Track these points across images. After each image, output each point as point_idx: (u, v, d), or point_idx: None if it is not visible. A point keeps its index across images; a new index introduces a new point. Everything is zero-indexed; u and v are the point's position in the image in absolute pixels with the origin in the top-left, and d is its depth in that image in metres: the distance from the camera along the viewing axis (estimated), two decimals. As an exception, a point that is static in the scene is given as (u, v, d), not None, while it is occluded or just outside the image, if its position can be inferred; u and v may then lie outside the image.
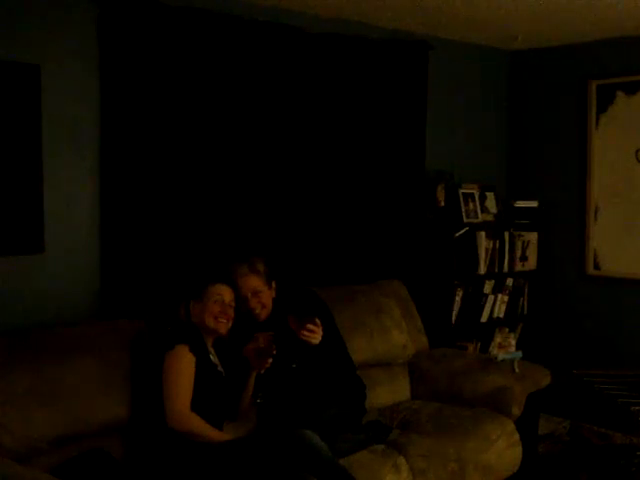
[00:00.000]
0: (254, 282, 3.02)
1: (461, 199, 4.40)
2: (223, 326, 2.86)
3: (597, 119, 4.53)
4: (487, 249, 4.47)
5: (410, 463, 2.97)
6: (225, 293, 2.89)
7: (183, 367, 2.67)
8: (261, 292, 3.03)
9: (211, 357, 2.84)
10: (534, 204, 4.74)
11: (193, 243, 3.42)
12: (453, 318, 4.35)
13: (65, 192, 3.09)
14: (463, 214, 4.38)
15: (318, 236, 3.88)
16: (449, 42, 4.50)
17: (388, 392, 3.64)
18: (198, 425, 2.64)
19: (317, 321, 2.88)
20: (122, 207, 3.19)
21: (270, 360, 2.81)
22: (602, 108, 4.51)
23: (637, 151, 4.38)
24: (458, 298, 4.37)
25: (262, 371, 2.84)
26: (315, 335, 2.86)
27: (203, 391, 2.71)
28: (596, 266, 4.59)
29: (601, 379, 3.86)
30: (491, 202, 4.59)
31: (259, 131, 3.62)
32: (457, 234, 4.31)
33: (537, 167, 4.86)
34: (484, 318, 4.53)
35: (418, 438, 3.13)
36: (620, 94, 4.43)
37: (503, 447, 3.32)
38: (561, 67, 4.72)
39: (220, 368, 2.87)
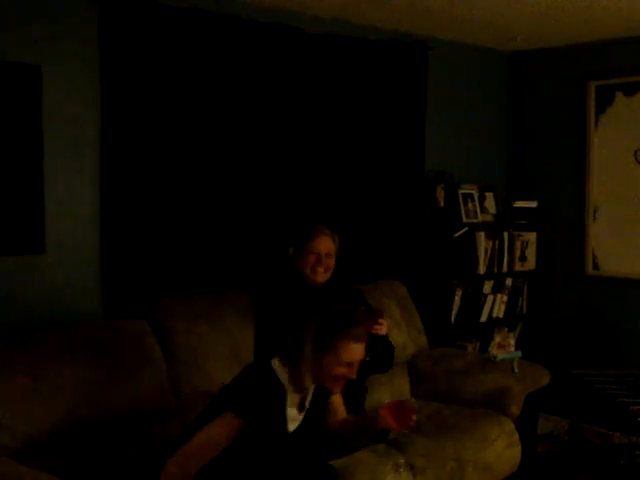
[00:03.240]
0: (330, 244, 3.07)
1: (460, 199, 4.40)
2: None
3: (596, 120, 4.54)
4: (486, 249, 4.48)
5: (410, 463, 2.97)
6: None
7: (218, 436, 2.26)
8: (332, 256, 3.07)
9: (288, 412, 2.38)
10: (533, 204, 4.75)
11: (194, 243, 3.42)
12: (452, 318, 4.35)
13: (65, 192, 3.09)
14: (462, 214, 4.38)
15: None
16: (449, 43, 4.51)
17: (388, 392, 3.65)
18: None
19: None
20: (122, 207, 3.20)
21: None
22: (601, 109, 4.52)
23: (636, 151, 4.38)
24: (457, 298, 4.37)
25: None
26: (383, 328, 2.97)
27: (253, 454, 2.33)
28: (595, 266, 4.60)
29: (600, 379, 3.87)
30: (490, 202, 4.60)
31: (259, 131, 3.63)
32: (456, 234, 4.32)
33: (536, 167, 4.87)
34: (483, 318, 4.53)
35: (418, 438, 3.13)
36: (619, 95, 4.44)
37: (502, 447, 3.33)
38: (560, 68, 4.73)
39: (295, 422, 2.42)
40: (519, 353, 3.90)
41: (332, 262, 3.07)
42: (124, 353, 2.83)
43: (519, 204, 4.71)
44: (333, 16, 3.91)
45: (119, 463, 2.66)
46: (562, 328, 4.74)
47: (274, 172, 3.70)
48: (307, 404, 2.42)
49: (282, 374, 2.32)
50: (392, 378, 3.72)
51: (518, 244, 4.66)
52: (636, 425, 3.65)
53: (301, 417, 2.41)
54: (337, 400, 2.59)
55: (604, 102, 4.50)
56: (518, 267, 4.67)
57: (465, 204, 4.42)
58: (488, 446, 3.26)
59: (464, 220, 4.38)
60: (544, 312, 4.79)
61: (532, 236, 4.71)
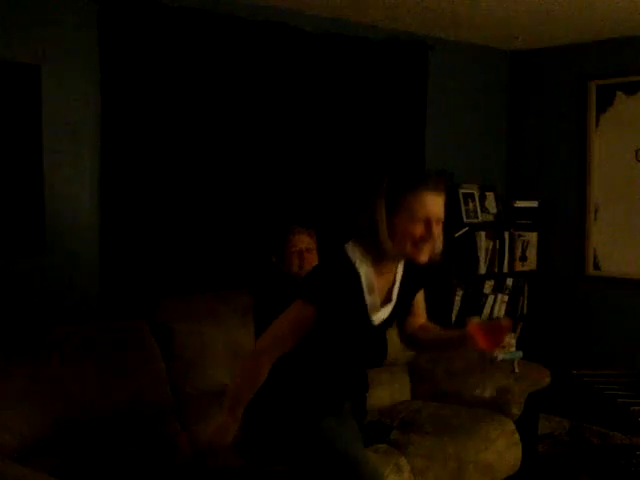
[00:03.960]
0: (307, 239, 3.05)
1: (461, 199, 4.40)
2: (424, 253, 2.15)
3: (597, 119, 4.53)
4: (487, 249, 4.47)
5: (411, 463, 2.97)
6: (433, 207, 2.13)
7: (288, 325, 2.15)
8: (313, 250, 3.05)
9: (367, 298, 2.17)
10: (534, 204, 4.75)
11: (193, 243, 3.42)
12: (453, 318, 4.35)
13: (65, 192, 3.09)
14: (463, 214, 4.38)
15: (318, 234, 3.87)
16: (449, 42, 4.50)
17: (388, 392, 3.64)
18: (246, 376, 2.16)
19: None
20: (122, 207, 3.20)
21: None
22: (602, 108, 4.51)
23: (637, 151, 4.38)
24: (458, 298, 4.37)
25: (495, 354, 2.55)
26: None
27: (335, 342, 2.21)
28: (596, 266, 4.59)
29: (601, 379, 3.86)
30: (491, 202, 4.59)
31: (259, 130, 3.62)
32: (457, 234, 4.31)
33: (537, 167, 4.86)
34: (484, 318, 4.53)
35: (418, 438, 3.13)
36: (620, 94, 4.43)
37: (503, 447, 3.32)
38: (561, 67, 4.73)
39: (380, 315, 2.22)
40: (520, 353, 3.89)
41: (314, 256, 3.06)
42: (123, 353, 2.83)
43: (520, 204, 4.70)
44: (333, 15, 3.90)
45: (118, 463, 2.66)
46: (563, 328, 4.73)
47: (272, 172, 3.70)
48: (394, 297, 2.24)
49: (355, 252, 2.14)
50: (392, 378, 3.71)
51: (519, 244, 4.65)
52: (637, 425, 3.65)
53: (388, 311, 2.23)
54: (420, 303, 2.43)
55: (605, 102, 4.49)
56: (519, 267, 4.67)
57: (466, 204, 4.41)
58: (489, 446, 3.26)
59: (465, 220, 4.37)
60: (545, 312, 4.79)
61: (533, 236, 4.71)
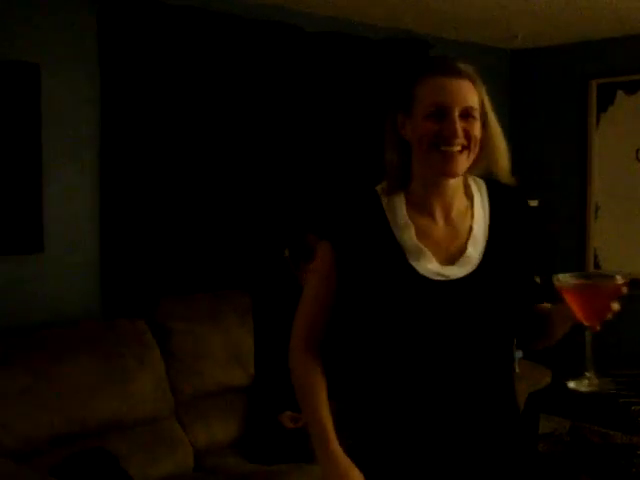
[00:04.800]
0: None
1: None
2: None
3: (597, 118, 4.53)
4: (487, 248, 4.46)
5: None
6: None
7: (314, 269, 1.61)
8: None
9: (397, 235, 1.53)
10: (535, 203, 4.73)
11: (193, 243, 3.42)
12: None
13: (64, 191, 3.08)
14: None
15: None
16: (449, 41, 4.50)
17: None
18: (301, 383, 1.56)
19: None
20: (121, 206, 3.19)
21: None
22: (602, 107, 4.51)
23: (637, 150, 4.37)
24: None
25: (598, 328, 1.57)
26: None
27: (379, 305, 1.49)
28: (596, 265, 4.59)
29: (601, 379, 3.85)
30: (491, 201, 4.59)
31: (259, 130, 3.62)
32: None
33: (537, 167, 4.85)
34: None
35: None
36: (621, 93, 4.42)
37: (503, 447, 3.32)
38: (561, 66, 4.72)
39: (423, 257, 1.50)
40: (520, 353, 3.90)
41: None
42: (123, 353, 2.82)
43: (520, 203, 4.69)
44: (333, 14, 3.90)
45: (118, 463, 2.65)
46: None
47: (273, 172, 3.69)
48: (473, 252, 1.51)
49: (382, 186, 1.60)
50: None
51: (519, 243, 4.65)
52: (637, 425, 3.64)
53: (460, 270, 1.50)
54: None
55: (605, 101, 4.49)
56: (519, 266, 4.66)
57: (466, 203, 4.40)
58: (489, 446, 3.25)
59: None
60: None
61: (533, 235, 4.70)
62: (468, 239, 1.52)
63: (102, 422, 2.69)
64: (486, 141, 1.55)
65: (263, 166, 3.65)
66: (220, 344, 3.09)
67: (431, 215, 1.54)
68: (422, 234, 1.51)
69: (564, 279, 1.49)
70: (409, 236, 1.51)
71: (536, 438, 3.74)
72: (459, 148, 1.48)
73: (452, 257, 1.51)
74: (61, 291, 3.09)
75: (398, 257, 1.49)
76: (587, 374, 1.51)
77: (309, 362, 1.55)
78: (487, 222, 1.56)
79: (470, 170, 1.55)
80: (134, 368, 2.83)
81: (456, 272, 1.49)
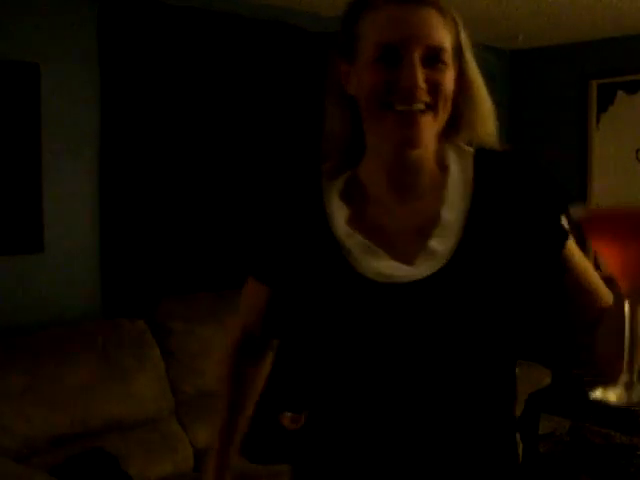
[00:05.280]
0: None
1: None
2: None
3: (598, 118, 4.53)
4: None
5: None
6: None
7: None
8: None
9: (337, 228, 1.13)
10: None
11: (193, 243, 3.41)
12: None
13: (65, 191, 3.08)
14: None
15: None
16: (449, 41, 4.50)
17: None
18: (222, 384, 1.35)
19: None
20: (122, 206, 3.19)
21: None
22: (603, 107, 4.51)
23: (637, 150, 4.37)
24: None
25: None
26: None
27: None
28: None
29: (602, 379, 3.85)
30: (491, 201, 4.59)
31: (260, 130, 3.62)
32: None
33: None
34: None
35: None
36: (621, 93, 4.42)
37: (503, 447, 3.32)
38: (562, 66, 4.72)
39: (372, 255, 1.10)
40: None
41: None
42: (123, 353, 2.82)
43: (520, 203, 4.69)
44: (333, 14, 3.89)
45: (118, 463, 2.65)
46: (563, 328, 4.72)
47: (276, 171, 3.69)
48: (439, 245, 1.08)
49: (325, 171, 1.21)
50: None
51: (519, 243, 4.65)
52: (638, 425, 3.64)
53: (424, 269, 1.07)
54: (582, 267, 1.21)
55: (605, 101, 4.49)
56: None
57: (466, 203, 4.40)
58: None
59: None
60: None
61: (533, 235, 4.70)
62: (435, 228, 1.08)
63: (102, 422, 2.69)
64: (463, 98, 1.11)
65: (266, 165, 3.65)
66: (221, 344, 3.08)
67: (386, 200, 1.11)
68: (370, 225, 1.10)
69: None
70: (343, 228, 1.10)
71: (536, 438, 3.74)
72: (422, 107, 1.03)
73: (412, 253, 1.07)
74: (61, 291, 3.08)
75: (335, 257, 1.08)
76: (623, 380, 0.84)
77: (239, 370, 1.32)
78: (467, 205, 1.09)
79: (441, 139, 1.12)
80: (134, 368, 2.83)
81: (414, 272, 1.05)
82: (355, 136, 1.15)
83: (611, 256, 0.89)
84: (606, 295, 1.16)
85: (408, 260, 1.07)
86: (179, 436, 2.92)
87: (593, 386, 0.98)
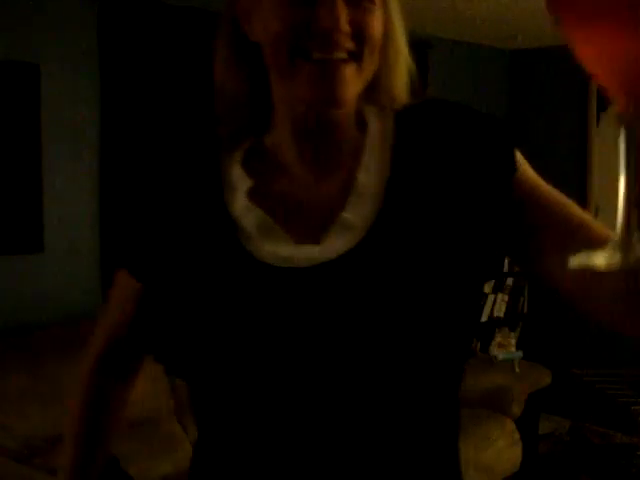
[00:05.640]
0: None
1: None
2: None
3: (597, 118, 4.53)
4: (487, 249, 4.45)
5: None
6: None
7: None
8: None
9: (233, 203, 0.90)
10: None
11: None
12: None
13: (65, 192, 3.08)
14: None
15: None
16: (449, 41, 4.50)
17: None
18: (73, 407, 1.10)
19: None
20: (121, 206, 3.20)
21: None
22: (602, 107, 4.51)
23: (637, 150, 4.37)
24: (458, 298, 4.36)
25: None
26: None
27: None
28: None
29: (601, 378, 3.86)
30: (491, 202, 4.59)
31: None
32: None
33: (537, 166, 4.83)
34: (484, 318, 4.52)
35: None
36: (620, 93, 4.43)
37: (503, 446, 3.32)
38: (561, 66, 4.71)
39: (272, 236, 0.88)
40: (520, 353, 3.90)
41: None
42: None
43: (520, 203, 4.70)
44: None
45: (118, 463, 2.65)
46: (563, 328, 4.73)
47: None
48: (353, 219, 0.87)
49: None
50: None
51: (519, 243, 4.65)
52: (637, 425, 3.65)
53: (334, 247, 0.85)
54: (554, 200, 0.90)
55: (605, 101, 4.49)
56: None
57: (466, 203, 4.40)
58: (489, 446, 3.25)
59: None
60: (545, 312, 4.78)
61: (533, 235, 4.70)
62: (349, 197, 0.86)
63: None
64: (384, 55, 0.91)
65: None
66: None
67: (297, 170, 0.90)
68: (277, 199, 0.89)
69: None
70: (242, 202, 0.88)
71: (536, 438, 3.74)
72: (344, 55, 0.82)
73: (323, 228, 0.86)
74: (61, 291, 3.09)
75: (226, 238, 0.87)
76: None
77: (100, 389, 1.09)
78: (388, 169, 0.88)
79: (361, 99, 0.91)
80: (134, 368, 2.83)
81: (323, 252, 0.84)
82: (258, 95, 0.91)
83: (596, 44, 0.57)
84: (599, 232, 0.82)
85: (317, 237, 0.85)
86: (179, 436, 2.92)
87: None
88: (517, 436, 3.40)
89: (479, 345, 4.53)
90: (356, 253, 0.83)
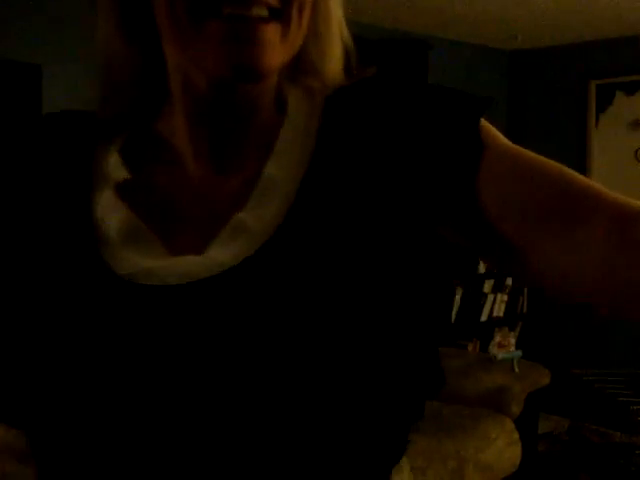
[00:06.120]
0: None
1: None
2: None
3: (597, 119, 4.54)
4: (487, 248, 4.46)
5: (411, 462, 2.97)
6: None
7: None
8: None
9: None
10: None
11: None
12: (453, 317, 4.35)
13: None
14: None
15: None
16: (449, 42, 4.51)
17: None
18: None
19: None
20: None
21: None
22: (601, 108, 4.52)
23: (636, 151, 4.38)
24: (458, 297, 4.37)
25: None
26: None
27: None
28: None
29: (600, 378, 3.87)
30: (491, 201, 4.60)
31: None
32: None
33: (537, 167, 4.87)
34: (484, 317, 4.53)
35: (418, 437, 3.13)
36: (620, 94, 4.43)
37: (503, 446, 3.33)
38: (560, 67, 4.73)
39: (144, 241, 0.67)
40: (519, 352, 3.90)
41: None
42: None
43: (519, 203, 4.70)
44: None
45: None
46: (562, 328, 4.73)
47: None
48: (247, 220, 0.66)
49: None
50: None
51: (518, 243, 4.65)
52: (636, 424, 3.65)
53: (222, 254, 0.64)
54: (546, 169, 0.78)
55: (604, 101, 4.50)
56: (518, 266, 4.66)
57: (465, 203, 4.41)
58: (488, 445, 3.26)
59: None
60: (544, 311, 4.79)
61: (532, 235, 4.71)
62: (250, 195, 0.67)
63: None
64: (314, 25, 0.71)
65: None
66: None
67: (190, 160, 0.71)
68: (158, 196, 0.70)
69: None
70: (109, 199, 0.69)
71: (535, 437, 3.75)
72: (264, 12, 0.62)
73: (209, 236, 0.67)
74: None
75: (83, 246, 0.67)
76: None
77: None
78: (307, 160, 0.69)
79: (282, 75, 0.72)
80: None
81: (204, 264, 0.64)
82: (150, 68, 0.73)
83: None
84: (610, 201, 0.69)
85: (202, 246, 0.65)
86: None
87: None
88: (516, 435, 3.41)
89: (479, 344, 4.54)
90: (248, 265, 0.62)
